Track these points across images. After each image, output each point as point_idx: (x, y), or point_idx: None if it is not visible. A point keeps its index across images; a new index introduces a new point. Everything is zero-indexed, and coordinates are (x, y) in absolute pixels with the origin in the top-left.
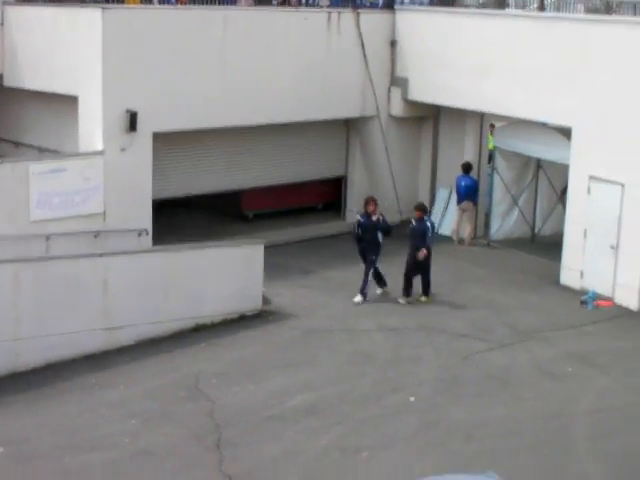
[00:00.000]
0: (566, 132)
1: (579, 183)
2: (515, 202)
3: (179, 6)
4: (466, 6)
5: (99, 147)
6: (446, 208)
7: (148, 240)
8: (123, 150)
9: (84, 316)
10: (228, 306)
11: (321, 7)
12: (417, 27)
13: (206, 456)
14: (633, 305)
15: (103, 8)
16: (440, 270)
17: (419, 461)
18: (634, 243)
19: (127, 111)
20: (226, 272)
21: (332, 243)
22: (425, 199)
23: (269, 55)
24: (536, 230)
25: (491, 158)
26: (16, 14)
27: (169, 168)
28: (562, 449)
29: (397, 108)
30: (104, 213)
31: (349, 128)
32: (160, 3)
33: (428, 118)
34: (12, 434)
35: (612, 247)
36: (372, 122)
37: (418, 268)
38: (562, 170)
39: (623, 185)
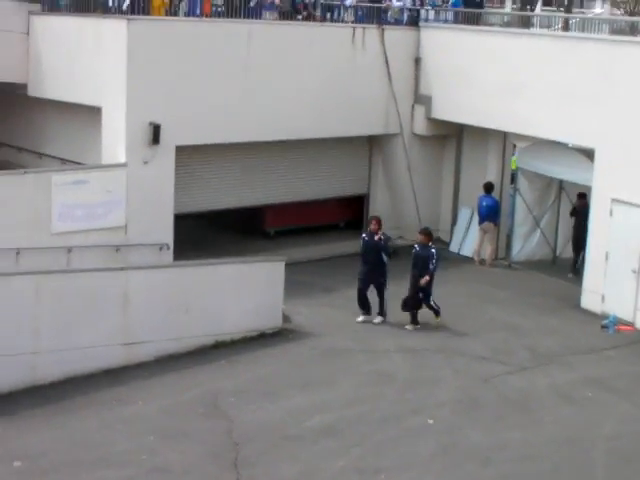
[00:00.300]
0: (589, 153)
1: (601, 205)
2: (537, 223)
3: (204, 19)
4: (490, 24)
5: (122, 159)
6: (468, 228)
7: (169, 255)
8: (146, 163)
9: (103, 330)
10: (248, 323)
11: (346, 22)
12: (441, 44)
13: (223, 475)
14: None
15: (128, 19)
16: (460, 291)
17: None
18: None
19: (150, 124)
20: (247, 289)
21: (354, 261)
22: (447, 219)
23: (293, 70)
24: (558, 252)
25: (514, 178)
26: (42, 24)
27: (191, 182)
28: (580, 475)
29: (420, 126)
30: (126, 226)
31: (372, 145)
32: (186, 15)
33: (451, 137)
34: (29, 448)
35: (634, 271)
36: (395, 140)
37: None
38: (585, 192)
39: None
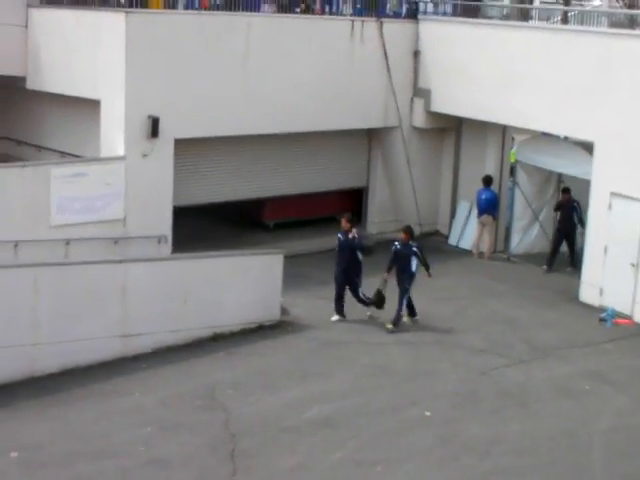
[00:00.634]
0: (588, 147)
1: (600, 199)
2: (536, 217)
3: (203, 11)
4: (489, 17)
5: (121, 152)
6: (466, 221)
7: (168, 247)
8: (145, 156)
9: (102, 322)
10: (246, 316)
11: (344, 15)
12: (440, 37)
13: (220, 467)
14: None
15: (127, 12)
16: (459, 284)
17: (434, 476)
18: None
19: (149, 117)
20: (245, 281)
21: None
22: (446, 212)
23: (292, 63)
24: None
25: (512, 172)
26: (40, 17)
27: (190, 175)
28: (577, 468)
29: (419, 119)
30: (124, 219)
31: (371, 139)
32: (184, 7)
33: (450, 130)
34: (26, 439)
35: (633, 265)
36: (394, 133)
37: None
38: (584, 185)
39: None
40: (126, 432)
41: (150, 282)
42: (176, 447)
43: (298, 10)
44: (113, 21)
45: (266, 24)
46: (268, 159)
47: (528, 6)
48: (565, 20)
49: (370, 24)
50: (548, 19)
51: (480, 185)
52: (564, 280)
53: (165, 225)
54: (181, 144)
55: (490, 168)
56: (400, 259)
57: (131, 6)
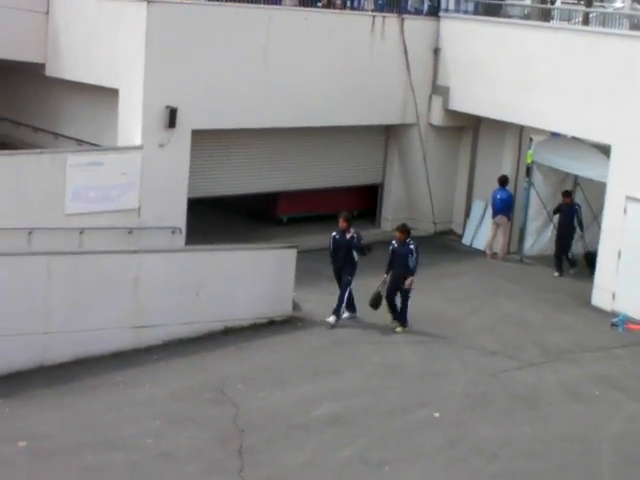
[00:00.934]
0: (606, 150)
1: (615, 203)
2: (550, 218)
3: (225, 3)
4: (510, 16)
5: (137, 142)
6: (481, 221)
7: (181, 239)
8: (161, 146)
9: (114, 313)
10: (258, 310)
11: (366, 10)
12: (461, 35)
13: (227, 461)
14: None
15: (149, 1)
16: (472, 284)
17: (442, 478)
18: None
19: (167, 107)
20: (258, 275)
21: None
22: (460, 211)
23: (311, 57)
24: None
25: (529, 172)
26: (62, 4)
27: (206, 167)
28: (586, 472)
29: (437, 117)
30: (139, 209)
31: (388, 135)
32: None
33: (468, 129)
34: (36, 429)
35: None
36: (411, 130)
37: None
38: (600, 188)
39: None
40: (136, 424)
41: (163, 273)
42: (185, 441)
43: (319, 4)
44: (134, 10)
45: (287, 17)
46: (284, 153)
47: (549, 6)
48: (586, 21)
49: (391, 20)
50: (569, 20)
51: (496, 185)
52: (577, 283)
53: (179, 216)
54: (198, 135)
55: (506, 168)
56: (397, 259)
57: None
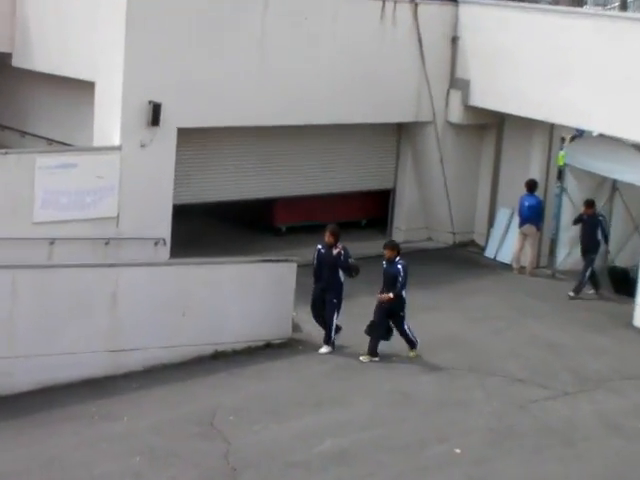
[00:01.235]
0: None
1: None
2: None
3: None
4: (537, 1)
5: (116, 142)
6: (506, 231)
7: (166, 251)
8: (143, 146)
9: (88, 335)
10: (253, 332)
11: None
12: (483, 23)
13: None
14: None
15: None
16: (496, 303)
17: None
18: None
19: (150, 102)
20: (252, 293)
21: (375, 265)
22: (483, 220)
23: (313, 47)
24: (609, 261)
25: (560, 176)
26: None
27: (194, 170)
28: None
29: (456, 114)
30: (117, 217)
31: (400, 134)
32: None
33: (490, 127)
34: (0, 466)
35: None
36: (427, 129)
37: (387, 317)
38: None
39: None
40: (112, 462)
41: (144, 290)
42: None
43: None
44: None
45: (285, 1)
46: (282, 154)
47: None
48: (624, 6)
49: (403, 5)
50: (604, 5)
51: (523, 190)
52: (617, 301)
53: (163, 226)
54: (185, 134)
55: (535, 171)
56: (386, 280)
57: None
